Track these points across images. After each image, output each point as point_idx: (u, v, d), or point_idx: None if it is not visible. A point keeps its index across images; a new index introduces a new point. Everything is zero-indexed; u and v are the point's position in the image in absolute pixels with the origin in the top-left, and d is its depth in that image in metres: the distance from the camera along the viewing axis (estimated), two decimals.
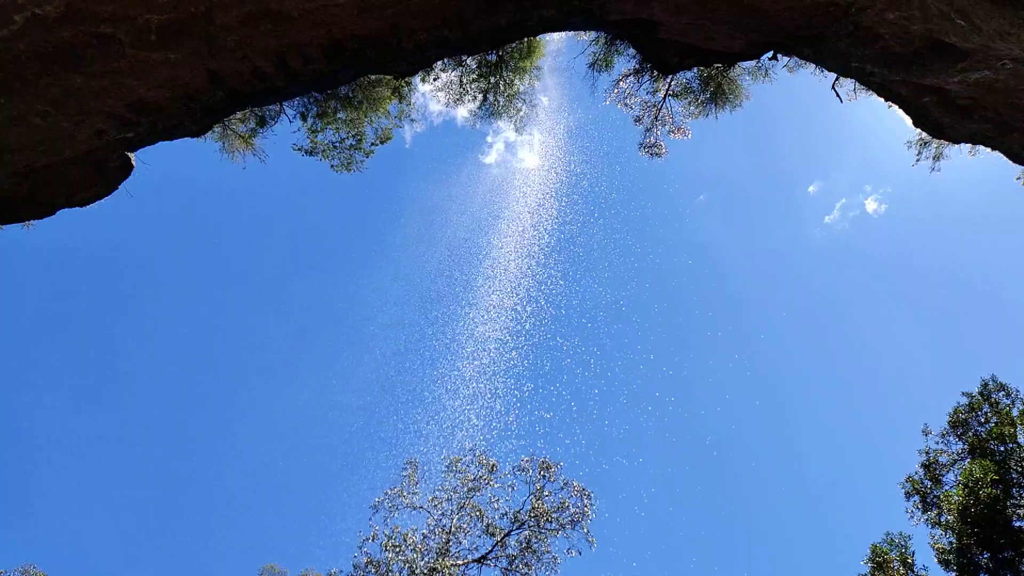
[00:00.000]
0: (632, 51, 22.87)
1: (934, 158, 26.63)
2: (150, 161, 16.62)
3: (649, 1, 13.92)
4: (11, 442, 55.86)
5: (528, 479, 30.60)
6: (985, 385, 28.59)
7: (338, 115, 23.82)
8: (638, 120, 26.35)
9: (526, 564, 28.91)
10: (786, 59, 21.67)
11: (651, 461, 66.66)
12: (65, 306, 62.50)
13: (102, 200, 15.87)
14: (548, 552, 29.21)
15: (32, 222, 15.82)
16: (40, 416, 59.81)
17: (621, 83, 25.33)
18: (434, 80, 25.10)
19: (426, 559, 27.63)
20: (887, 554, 26.30)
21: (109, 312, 65.09)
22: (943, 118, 15.70)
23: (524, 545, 29.18)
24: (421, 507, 29.98)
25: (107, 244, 62.73)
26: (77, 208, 15.64)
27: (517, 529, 29.55)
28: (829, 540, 63.49)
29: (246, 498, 64.57)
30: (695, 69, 22.78)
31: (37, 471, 57.63)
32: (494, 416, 47.48)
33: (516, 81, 25.38)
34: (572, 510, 29.70)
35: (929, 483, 28.51)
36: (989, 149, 16.82)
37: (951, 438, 29.04)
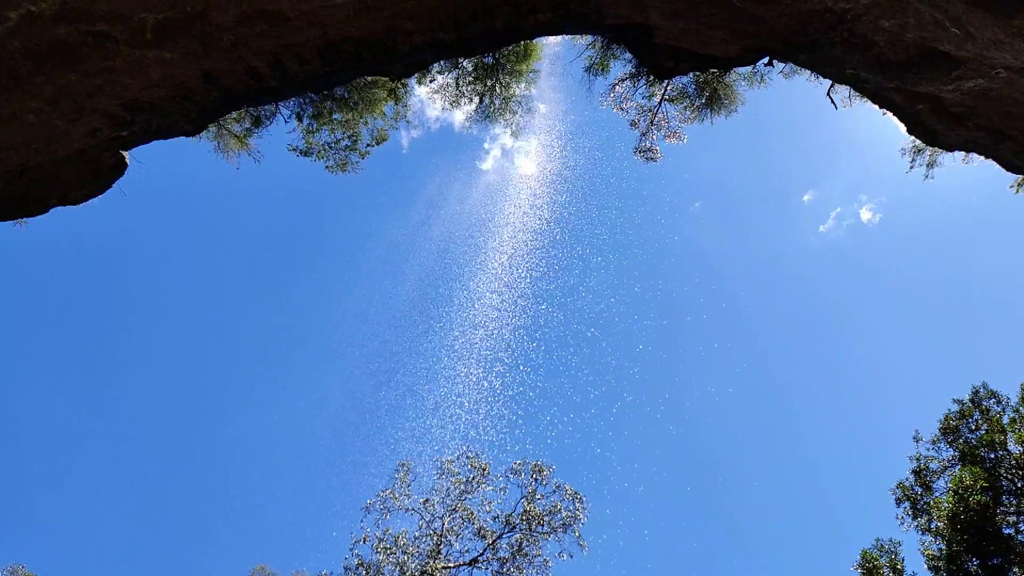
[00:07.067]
0: (628, 55, 22.92)
1: (928, 165, 26.76)
2: (144, 160, 16.58)
3: (645, 5, 13.94)
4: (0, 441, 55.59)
5: (520, 482, 30.59)
6: (976, 392, 28.69)
7: (334, 116, 23.79)
8: (634, 124, 26.40)
9: (517, 567, 28.86)
10: (782, 65, 21.75)
11: (645, 466, 66.77)
12: (57, 304, 62.24)
13: (95, 198, 15.81)
14: (539, 555, 29.18)
15: (25, 220, 15.74)
16: (31, 415, 59.55)
17: (617, 87, 25.38)
18: (430, 82, 25.09)
19: (417, 561, 27.57)
20: (877, 560, 26.36)
21: (100, 310, 64.86)
22: (937, 126, 15.75)
23: (515, 548, 29.12)
24: (413, 509, 29.93)
25: (100, 242, 62.51)
26: (70, 206, 15.58)
27: (509, 532, 29.50)
28: (820, 545, 63.68)
29: (238, 499, 64.41)
30: (691, 74, 22.82)
31: (26, 471, 57.34)
32: (487, 418, 47.40)
33: (512, 84, 25.38)
34: (564, 513, 29.65)
35: (920, 489, 28.59)
36: (983, 157, 16.89)
37: (942, 445, 29.16)
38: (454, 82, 25.10)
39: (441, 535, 29.01)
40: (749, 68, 23.43)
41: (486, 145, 62.27)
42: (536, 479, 30.40)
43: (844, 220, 72.81)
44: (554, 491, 30.28)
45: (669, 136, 26.35)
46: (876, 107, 17.09)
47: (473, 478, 30.55)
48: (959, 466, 27.37)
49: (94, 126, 12.48)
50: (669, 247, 74.78)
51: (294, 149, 24.40)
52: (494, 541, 29.34)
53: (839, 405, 72.55)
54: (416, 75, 22.70)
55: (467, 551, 29.38)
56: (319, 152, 24.64)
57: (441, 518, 29.56)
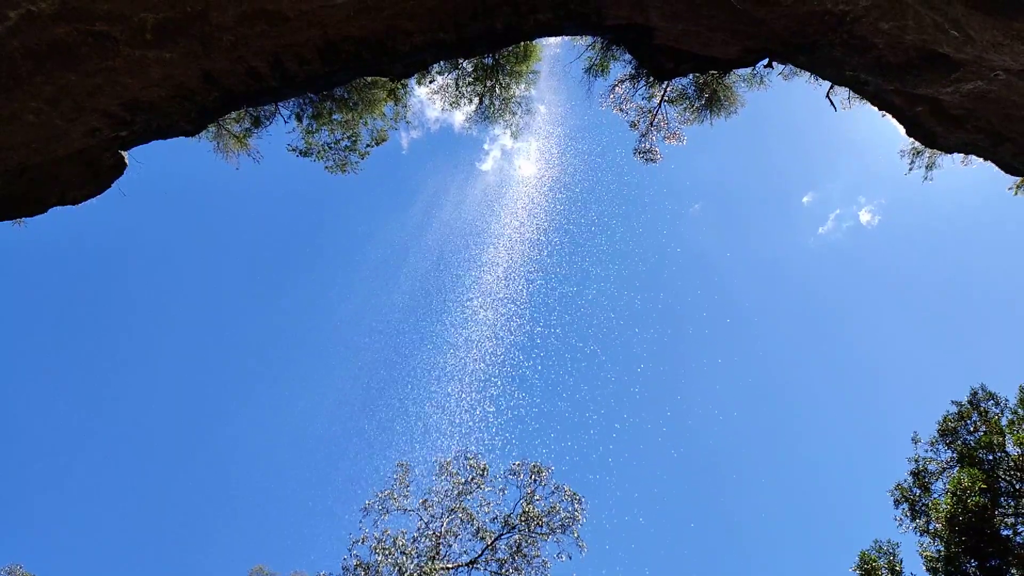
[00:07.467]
0: (628, 56, 22.93)
1: (927, 167, 26.81)
2: (144, 160, 16.57)
3: (645, 6, 13.95)
4: None
5: (519, 483, 30.58)
6: (974, 394, 28.70)
7: (333, 116, 23.79)
8: (633, 125, 26.40)
9: (516, 568, 28.84)
10: (781, 67, 21.76)
11: (644, 467, 66.75)
12: (57, 303, 62.20)
13: (95, 198, 15.81)
14: (538, 556, 29.17)
15: (24, 220, 15.74)
16: (31, 415, 59.50)
17: (617, 88, 25.38)
18: (430, 83, 25.09)
19: (416, 562, 27.55)
20: (875, 561, 26.36)
21: (100, 310, 64.83)
22: (936, 128, 15.78)
23: (514, 549, 29.11)
24: (411, 510, 29.93)
25: (99, 242, 62.49)
26: (69, 206, 15.58)
27: (507, 533, 29.49)
28: (819, 546, 63.69)
29: (236, 500, 64.35)
30: (691, 75, 22.83)
31: (25, 471, 57.30)
32: (486, 419, 47.33)
33: (512, 85, 25.38)
34: (563, 514, 29.65)
35: (918, 491, 28.59)
36: (982, 159, 16.91)
37: (940, 446, 29.15)
38: (454, 83, 25.10)
39: (440, 536, 29.01)
40: (749, 70, 23.46)
41: (486, 146, 62.33)
42: (535, 480, 30.40)
43: (843, 222, 72.96)
44: (553, 492, 30.29)
45: (669, 137, 26.36)
46: (875, 109, 17.12)
47: (472, 479, 30.55)
48: (957, 468, 27.37)
49: (94, 126, 12.48)
50: (671, 256, 74.78)
51: (294, 149, 24.42)
52: (493, 542, 29.33)
53: (838, 406, 72.63)
54: (416, 75, 22.72)
55: (466, 552, 29.41)
56: (319, 152, 24.65)
57: (440, 519, 29.57)
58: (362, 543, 28.34)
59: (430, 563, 27.44)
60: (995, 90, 12.89)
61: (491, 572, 29.14)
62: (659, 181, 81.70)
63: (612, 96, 25.71)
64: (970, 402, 28.74)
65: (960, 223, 68.98)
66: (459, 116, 26.93)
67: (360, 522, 29.32)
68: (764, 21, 13.32)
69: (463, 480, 30.47)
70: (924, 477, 28.78)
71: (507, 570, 28.88)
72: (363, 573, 27.55)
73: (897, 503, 28.80)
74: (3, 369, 57.35)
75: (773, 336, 76.47)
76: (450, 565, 28.59)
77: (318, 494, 66.46)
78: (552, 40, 24.40)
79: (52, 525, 56.50)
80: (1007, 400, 28.00)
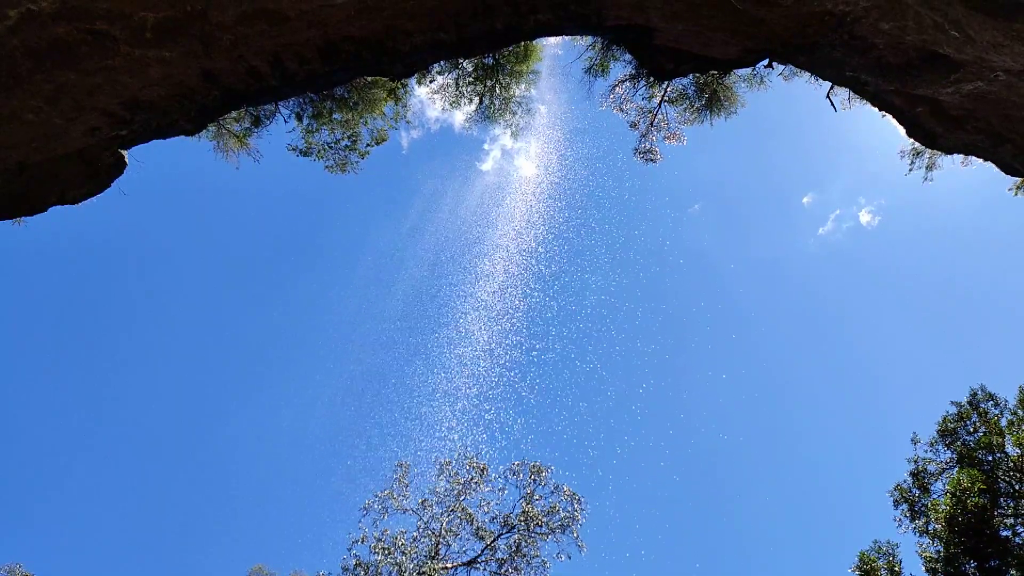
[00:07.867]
0: (628, 57, 22.92)
1: (927, 168, 26.80)
2: (143, 159, 16.56)
3: (645, 7, 13.94)
4: None
5: (519, 483, 30.62)
6: (974, 394, 28.71)
7: (333, 116, 23.77)
8: (633, 125, 26.39)
9: (515, 568, 28.88)
10: (781, 67, 21.75)
11: (644, 467, 66.72)
12: (56, 303, 62.19)
13: (94, 197, 15.79)
14: (538, 556, 29.21)
15: (23, 219, 15.73)
16: (30, 414, 59.49)
17: (617, 88, 25.37)
18: (430, 83, 25.09)
19: (415, 562, 27.56)
20: (875, 562, 26.36)
21: (100, 310, 64.82)
22: (936, 128, 15.77)
23: (514, 549, 29.14)
24: (411, 510, 29.94)
25: (99, 242, 62.48)
26: (69, 205, 15.56)
27: (507, 533, 29.52)
28: (818, 547, 63.69)
29: (236, 499, 64.36)
30: (691, 75, 22.82)
31: (25, 470, 57.29)
32: (486, 420, 47.29)
33: (512, 85, 25.37)
34: (562, 514, 29.67)
35: (917, 492, 28.61)
36: (982, 160, 16.91)
37: (940, 447, 29.17)
38: (454, 82, 25.09)
39: (439, 536, 29.02)
40: (749, 70, 23.43)
41: (486, 146, 62.29)
42: (535, 480, 30.41)
43: (843, 222, 72.96)
44: (553, 492, 30.33)
45: (669, 137, 26.35)
46: (875, 109, 17.11)
47: (471, 479, 30.56)
48: (957, 468, 27.38)
49: (93, 125, 12.47)
50: (672, 264, 74.69)
51: (294, 149, 24.40)
52: (492, 542, 29.35)
53: (838, 407, 72.66)
54: (416, 75, 22.70)
55: (465, 552, 29.44)
56: (319, 152, 24.64)
57: (439, 519, 29.58)
58: (361, 543, 28.39)
59: (430, 562, 27.46)
60: (995, 91, 12.90)
61: (491, 572, 29.19)
62: (659, 182, 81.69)
63: (612, 96, 25.71)
64: (969, 403, 28.76)
65: (960, 224, 69.04)
66: (459, 116, 26.92)
67: (360, 522, 29.38)
68: (764, 21, 13.32)
69: (463, 480, 30.49)
70: (923, 478, 28.80)
71: (507, 570, 28.90)
72: (363, 573, 27.56)
73: (896, 503, 28.82)
74: (3, 369, 57.37)
75: (773, 337, 76.54)
76: (450, 565, 28.61)
77: (318, 494, 66.43)
78: (552, 40, 24.40)
79: (52, 525, 56.53)
80: (1006, 401, 28.03)
